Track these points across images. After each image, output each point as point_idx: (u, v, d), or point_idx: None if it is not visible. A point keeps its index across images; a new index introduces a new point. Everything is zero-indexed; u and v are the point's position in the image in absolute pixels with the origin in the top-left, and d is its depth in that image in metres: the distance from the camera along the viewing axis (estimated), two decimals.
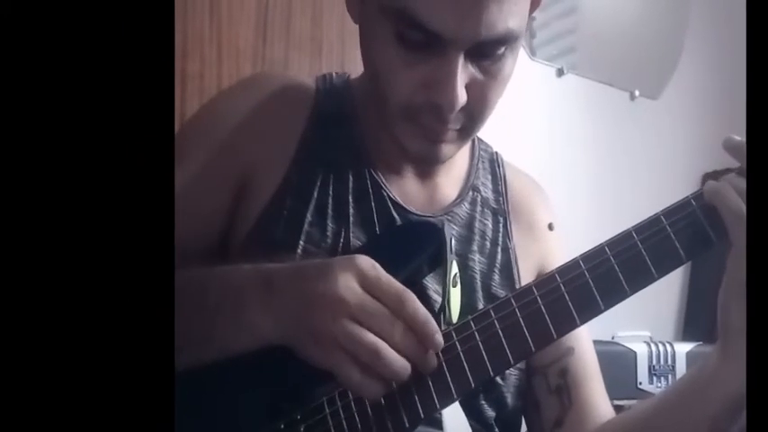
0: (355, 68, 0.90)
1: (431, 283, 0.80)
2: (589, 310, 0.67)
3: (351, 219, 0.82)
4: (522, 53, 1.96)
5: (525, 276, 0.89)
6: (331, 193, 0.83)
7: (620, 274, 0.67)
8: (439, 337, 0.66)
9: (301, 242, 0.79)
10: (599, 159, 2.24)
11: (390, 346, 0.63)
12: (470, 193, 0.90)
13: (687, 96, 2.45)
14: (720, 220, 0.65)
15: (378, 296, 0.65)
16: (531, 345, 0.67)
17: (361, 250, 0.78)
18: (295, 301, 0.66)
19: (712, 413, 0.70)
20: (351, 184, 0.84)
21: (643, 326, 2.16)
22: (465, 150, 0.91)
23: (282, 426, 0.71)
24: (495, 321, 0.68)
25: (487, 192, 0.92)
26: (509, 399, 0.85)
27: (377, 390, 0.64)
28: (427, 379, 0.67)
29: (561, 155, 2.13)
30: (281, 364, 0.68)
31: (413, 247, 0.76)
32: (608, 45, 2.26)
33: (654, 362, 1.94)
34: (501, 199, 0.93)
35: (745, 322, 0.62)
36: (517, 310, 0.68)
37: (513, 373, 0.85)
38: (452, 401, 0.68)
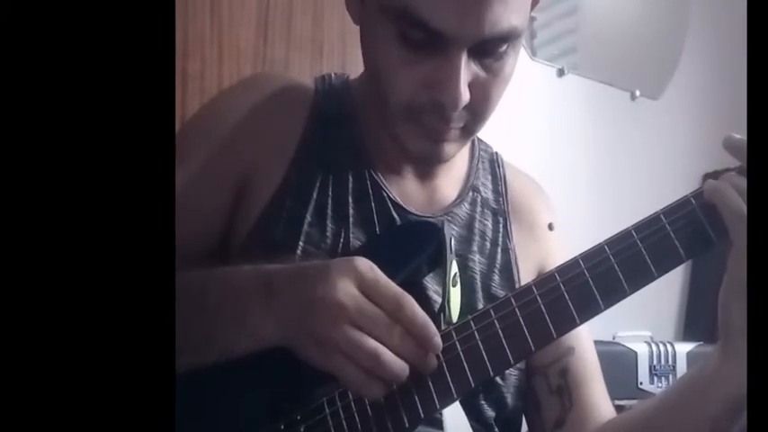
0: (356, 69, 0.90)
1: (431, 284, 0.80)
2: (589, 310, 0.67)
3: (350, 219, 0.82)
4: (522, 53, 1.97)
5: (525, 277, 0.89)
6: (330, 193, 0.83)
7: (619, 274, 0.67)
8: (437, 340, 0.66)
9: (301, 243, 0.79)
10: (599, 159, 2.24)
11: (390, 349, 0.64)
12: (470, 193, 0.90)
13: (688, 96, 2.45)
14: (720, 218, 0.65)
15: (376, 300, 0.65)
16: (531, 344, 0.67)
17: (361, 250, 0.78)
18: (295, 305, 0.66)
19: (713, 413, 0.70)
20: (350, 185, 0.84)
21: (644, 326, 2.16)
22: (465, 151, 0.90)
23: (282, 426, 0.71)
24: (495, 321, 0.68)
25: (487, 192, 0.92)
26: (509, 399, 0.85)
27: (378, 390, 0.65)
28: (427, 379, 0.67)
29: (562, 155, 2.13)
30: (281, 364, 0.69)
31: (412, 247, 0.76)
32: (609, 45, 2.26)
33: (654, 362, 1.94)
34: (501, 199, 0.92)
35: (745, 322, 0.62)
36: (517, 309, 0.68)
37: (513, 374, 0.85)
38: (452, 401, 0.68)
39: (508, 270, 0.88)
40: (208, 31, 1.33)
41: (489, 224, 0.90)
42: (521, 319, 0.67)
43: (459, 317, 0.74)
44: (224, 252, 0.83)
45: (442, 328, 0.70)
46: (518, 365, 0.85)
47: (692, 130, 2.43)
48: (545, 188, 1.00)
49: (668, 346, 1.97)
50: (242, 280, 0.71)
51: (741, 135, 0.67)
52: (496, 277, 0.87)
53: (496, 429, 0.84)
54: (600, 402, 0.86)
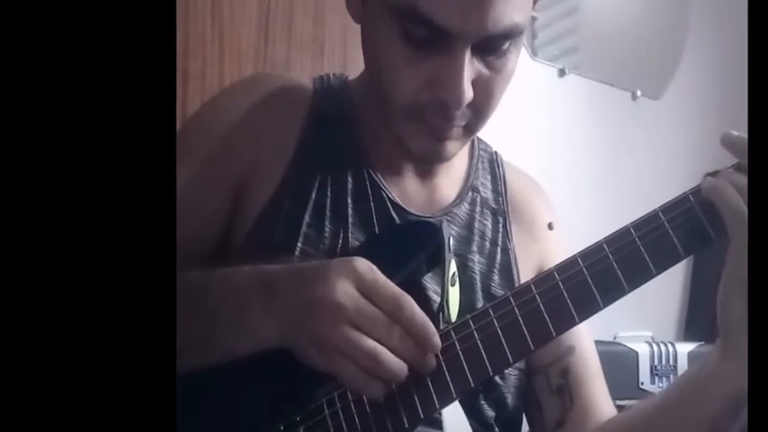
0: (358, 69, 0.90)
1: (430, 284, 0.80)
2: (588, 308, 0.67)
3: (350, 220, 0.82)
4: (523, 53, 1.96)
5: (525, 277, 0.88)
6: (329, 194, 0.82)
7: (618, 272, 0.67)
8: (436, 340, 0.66)
9: (299, 244, 0.79)
10: (600, 159, 2.24)
11: (389, 349, 0.64)
12: (470, 193, 0.90)
13: (689, 96, 2.45)
14: (718, 216, 0.65)
15: (375, 300, 0.65)
16: (531, 343, 0.67)
17: (360, 250, 0.78)
18: (294, 306, 0.67)
19: (713, 412, 0.70)
20: (349, 185, 0.83)
21: (645, 326, 2.17)
22: (464, 151, 0.90)
23: (282, 427, 0.71)
24: (494, 320, 0.68)
25: (487, 192, 0.92)
26: (509, 399, 0.85)
27: (377, 390, 0.65)
28: (426, 379, 0.67)
29: (563, 155, 2.13)
30: (281, 365, 0.69)
31: (411, 246, 0.76)
32: (609, 45, 2.26)
33: (655, 362, 1.95)
34: (500, 199, 0.92)
35: (745, 319, 0.62)
36: (516, 308, 0.68)
37: (512, 373, 0.85)
38: (452, 401, 0.68)
39: (508, 270, 0.88)
40: (209, 31, 1.33)
41: (489, 224, 0.90)
42: (520, 318, 0.67)
43: (458, 317, 0.74)
44: (223, 253, 0.83)
45: (441, 327, 0.70)
46: (518, 365, 0.85)
47: (692, 129, 2.43)
48: (546, 188, 1.00)
49: (669, 346, 1.98)
50: (241, 281, 0.71)
51: (741, 134, 0.67)
52: (496, 277, 0.87)
53: (496, 429, 0.84)
54: (601, 402, 0.86)
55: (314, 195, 0.82)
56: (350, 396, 0.70)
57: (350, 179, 0.84)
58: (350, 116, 0.87)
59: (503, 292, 0.85)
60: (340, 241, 0.81)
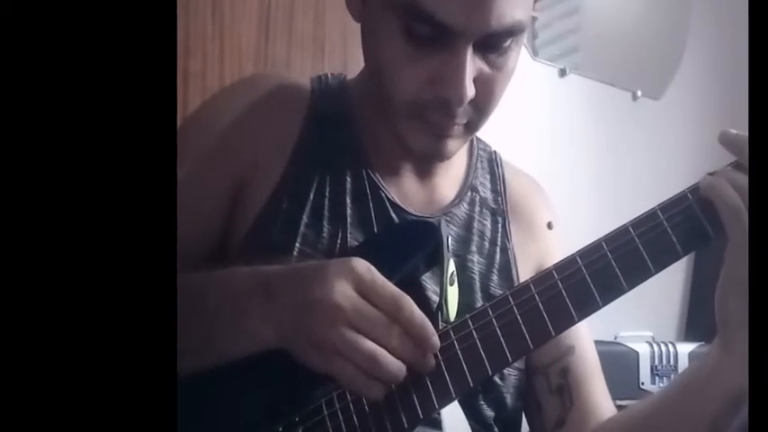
0: (358, 68, 0.90)
1: (429, 284, 0.80)
2: (587, 307, 0.67)
3: (348, 220, 0.82)
4: (524, 53, 1.96)
5: (524, 276, 0.88)
6: (328, 194, 0.82)
7: (617, 270, 0.67)
8: (436, 340, 0.66)
9: (297, 244, 0.79)
10: (601, 159, 2.24)
11: (388, 350, 0.64)
12: (469, 193, 0.90)
13: (689, 96, 2.45)
14: (717, 214, 0.65)
15: (373, 301, 0.65)
16: (530, 342, 0.67)
17: (358, 250, 0.78)
18: (293, 307, 0.66)
19: (712, 410, 0.70)
20: (348, 185, 0.83)
21: (645, 326, 2.16)
22: (463, 150, 0.90)
23: (281, 428, 0.71)
24: (493, 320, 0.68)
25: (486, 192, 0.92)
26: (508, 399, 0.85)
27: (377, 391, 0.65)
28: (426, 379, 0.67)
29: (563, 155, 2.13)
30: (280, 366, 0.68)
31: (410, 245, 0.76)
32: (610, 45, 2.26)
33: (656, 362, 1.95)
34: (500, 199, 0.92)
35: (743, 317, 0.62)
36: (515, 307, 0.68)
37: (512, 374, 0.85)
38: (451, 401, 0.68)
39: (507, 270, 0.88)
40: (209, 30, 1.33)
41: (488, 224, 0.90)
42: (518, 317, 0.67)
43: (457, 317, 0.73)
44: (222, 253, 0.82)
45: (440, 327, 0.69)
46: (517, 365, 0.85)
47: (693, 129, 2.43)
48: (546, 188, 1.00)
49: (670, 346, 1.98)
50: (239, 282, 0.71)
51: (739, 132, 0.67)
52: (495, 277, 0.87)
53: (495, 429, 0.84)
54: (601, 401, 0.86)
55: (312, 196, 0.82)
56: (349, 397, 0.69)
57: (348, 179, 0.84)
58: (348, 116, 0.87)
59: (502, 293, 0.85)
60: (338, 241, 0.80)
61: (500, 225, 0.90)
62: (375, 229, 0.82)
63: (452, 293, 0.75)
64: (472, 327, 0.68)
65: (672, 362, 1.95)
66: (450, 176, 0.90)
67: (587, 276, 0.67)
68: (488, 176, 0.93)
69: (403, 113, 0.77)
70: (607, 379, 0.89)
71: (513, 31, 0.73)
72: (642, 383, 1.92)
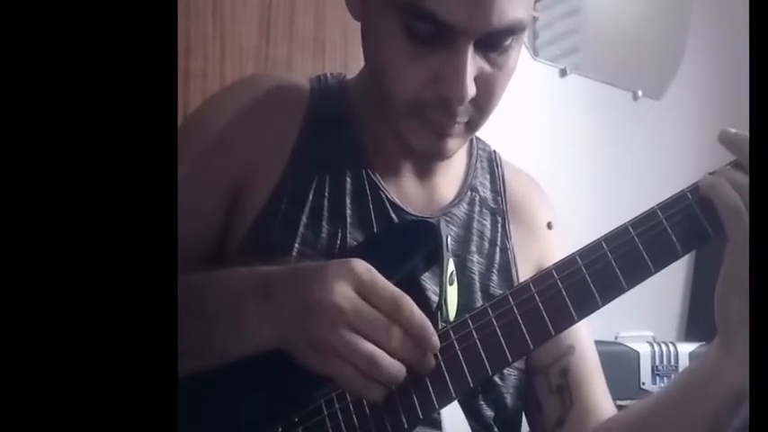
0: (359, 68, 0.90)
1: (429, 284, 0.80)
2: (586, 306, 0.67)
3: (348, 220, 0.81)
4: (525, 53, 1.96)
5: (524, 276, 0.88)
6: (327, 194, 0.82)
7: (616, 269, 0.67)
8: (436, 340, 0.66)
9: (296, 245, 0.79)
10: (602, 159, 2.24)
11: (387, 351, 0.64)
12: (468, 193, 0.90)
13: (690, 96, 2.45)
14: (716, 213, 0.65)
15: (373, 301, 0.65)
16: (529, 342, 0.67)
17: (357, 250, 0.78)
18: (292, 308, 0.66)
19: (713, 409, 0.70)
20: (348, 186, 0.83)
21: (646, 326, 2.17)
22: (463, 150, 0.90)
23: (280, 429, 0.71)
24: (493, 319, 0.68)
25: (486, 191, 0.92)
26: (508, 399, 0.85)
27: (376, 393, 0.65)
28: (425, 379, 0.67)
29: (564, 155, 2.13)
30: (279, 367, 0.68)
31: (409, 245, 0.76)
32: (611, 45, 2.26)
33: (657, 362, 1.95)
34: (499, 198, 0.92)
35: (743, 316, 0.62)
36: (515, 307, 0.67)
37: (512, 374, 0.85)
38: (451, 401, 0.68)
39: (507, 270, 0.88)
40: (210, 30, 1.33)
41: (488, 224, 0.89)
42: (518, 316, 0.67)
43: (456, 317, 0.73)
44: (221, 254, 0.82)
45: (440, 327, 0.69)
46: (517, 365, 0.84)
47: (693, 129, 2.43)
48: (547, 188, 0.99)
49: (671, 346, 1.98)
50: (238, 283, 0.71)
51: (739, 132, 0.67)
52: (495, 277, 0.87)
53: (495, 429, 0.84)
54: (601, 401, 0.86)
55: (311, 196, 0.81)
56: (348, 397, 0.69)
57: (348, 179, 0.83)
58: (348, 116, 0.87)
59: (501, 292, 0.85)
60: (338, 242, 0.80)
61: (500, 225, 0.90)
62: (375, 230, 0.82)
63: (452, 293, 0.75)
64: (472, 327, 0.68)
65: (672, 362, 1.95)
66: (449, 176, 0.90)
67: (587, 276, 0.67)
68: (488, 176, 0.93)
69: (403, 112, 0.77)
70: (608, 379, 0.89)
71: (513, 30, 0.73)
72: (643, 384, 1.92)
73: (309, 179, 0.82)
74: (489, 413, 0.83)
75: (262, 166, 0.83)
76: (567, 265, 0.68)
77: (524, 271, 0.89)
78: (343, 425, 0.69)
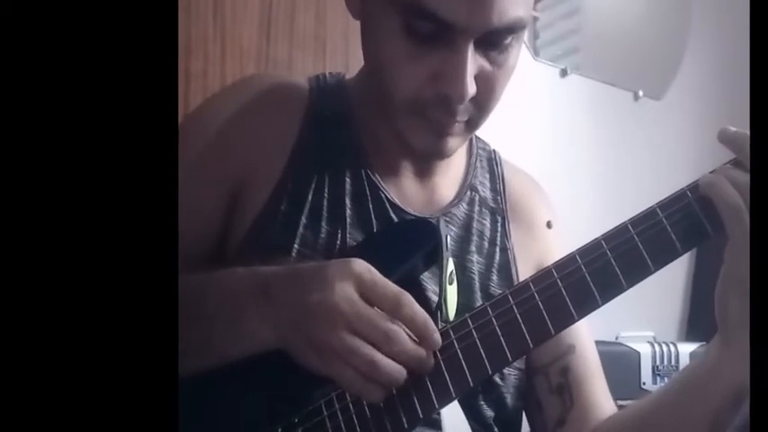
0: (360, 67, 0.90)
1: (429, 284, 0.80)
2: (586, 305, 0.67)
3: (348, 220, 0.81)
4: (525, 53, 1.96)
5: (524, 276, 0.88)
6: (327, 195, 0.82)
7: (616, 268, 0.67)
8: (437, 337, 0.66)
9: (296, 245, 0.79)
10: (602, 159, 2.24)
11: (387, 352, 0.64)
12: (468, 192, 0.90)
13: (690, 96, 2.45)
14: (716, 211, 0.65)
15: (374, 300, 0.65)
16: (529, 341, 0.67)
17: (356, 250, 0.78)
18: (292, 309, 0.66)
19: (713, 407, 0.70)
20: (347, 186, 0.83)
21: (647, 326, 2.16)
22: (463, 149, 0.90)
23: (280, 429, 0.71)
24: (493, 319, 0.68)
25: (485, 191, 0.92)
26: (508, 399, 0.85)
27: (376, 394, 0.65)
28: (425, 379, 0.67)
29: (564, 155, 2.13)
30: (279, 367, 0.68)
31: (409, 245, 0.76)
32: (611, 45, 2.26)
33: (657, 362, 1.94)
34: (499, 198, 0.92)
35: (743, 314, 0.62)
36: (514, 306, 0.67)
37: (512, 373, 0.85)
38: (451, 401, 0.68)
39: (507, 270, 0.88)
40: (211, 30, 1.33)
41: (487, 224, 0.89)
42: (518, 316, 0.67)
43: (456, 316, 0.73)
44: (221, 254, 0.82)
45: (440, 326, 0.69)
46: (517, 365, 0.84)
47: (694, 130, 2.43)
48: (547, 188, 0.99)
49: (671, 346, 1.98)
50: (238, 283, 0.71)
51: (739, 130, 0.67)
52: (495, 277, 0.87)
53: (495, 429, 0.84)
54: (601, 400, 0.86)
55: (311, 196, 0.81)
56: (348, 397, 0.69)
57: (348, 179, 0.83)
58: (347, 115, 0.87)
59: (501, 292, 0.85)
60: (338, 242, 0.80)
61: (499, 224, 0.90)
62: (374, 230, 0.82)
63: (451, 293, 0.75)
64: (472, 326, 0.68)
65: (673, 362, 1.95)
66: (449, 176, 0.90)
67: (587, 275, 0.67)
68: (488, 176, 0.93)
69: (403, 111, 0.77)
70: (608, 379, 0.89)
71: (514, 28, 0.73)
72: (643, 384, 1.92)
73: (309, 179, 0.82)
74: (489, 413, 0.83)
75: (261, 166, 0.82)
76: (566, 264, 0.68)
77: (524, 270, 0.89)
78: (342, 425, 0.69)
